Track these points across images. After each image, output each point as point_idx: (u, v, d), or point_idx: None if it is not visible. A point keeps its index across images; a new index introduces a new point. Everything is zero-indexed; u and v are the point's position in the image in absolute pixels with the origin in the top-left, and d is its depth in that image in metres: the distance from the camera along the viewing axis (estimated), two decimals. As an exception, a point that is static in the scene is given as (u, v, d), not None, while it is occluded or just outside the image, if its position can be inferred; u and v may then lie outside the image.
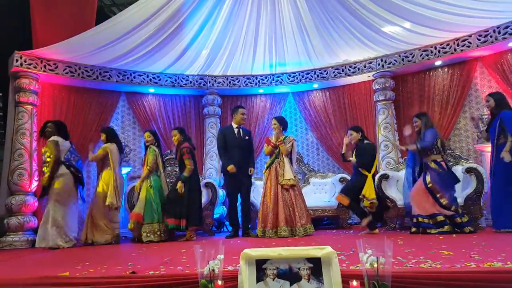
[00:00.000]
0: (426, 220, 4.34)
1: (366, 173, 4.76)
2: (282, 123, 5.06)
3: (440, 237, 3.87)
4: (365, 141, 4.97)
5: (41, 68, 5.61)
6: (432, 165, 4.44)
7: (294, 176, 4.89)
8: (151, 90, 6.73)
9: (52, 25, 5.67)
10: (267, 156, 5.16)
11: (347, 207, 5.09)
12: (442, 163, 4.47)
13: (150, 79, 6.55)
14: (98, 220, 4.84)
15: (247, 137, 5.15)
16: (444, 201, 4.31)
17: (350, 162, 5.19)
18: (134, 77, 6.44)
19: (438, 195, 4.33)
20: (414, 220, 4.44)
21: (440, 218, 4.28)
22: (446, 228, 4.23)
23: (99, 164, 5.16)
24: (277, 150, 4.92)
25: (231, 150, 5.03)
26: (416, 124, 4.65)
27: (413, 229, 4.42)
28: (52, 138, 4.75)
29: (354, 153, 4.95)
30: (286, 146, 4.90)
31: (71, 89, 6.11)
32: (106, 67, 6.20)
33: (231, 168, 4.91)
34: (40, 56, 5.59)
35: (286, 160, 4.88)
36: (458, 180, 4.53)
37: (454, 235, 4.04)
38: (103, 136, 5.18)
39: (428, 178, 4.41)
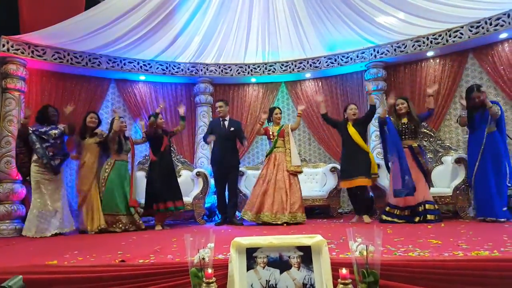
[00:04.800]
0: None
1: (368, 148, 4.95)
2: None
3: (429, 226, 3.92)
4: None
5: (28, 54, 5.47)
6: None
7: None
8: (142, 77, 6.62)
9: (40, 9, 5.52)
10: (265, 146, 5.44)
11: (362, 189, 4.90)
12: None
13: (141, 66, 6.44)
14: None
15: (232, 128, 5.34)
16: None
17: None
18: (124, 64, 6.32)
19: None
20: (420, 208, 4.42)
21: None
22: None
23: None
24: (276, 138, 5.08)
25: (218, 140, 5.28)
26: (404, 106, 4.76)
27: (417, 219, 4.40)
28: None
29: (351, 124, 4.96)
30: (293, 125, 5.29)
31: (60, 76, 5.98)
32: (96, 54, 6.07)
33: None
34: (27, 41, 5.45)
35: (292, 145, 5.06)
36: None
37: (442, 224, 4.10)
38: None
39: (422, 160, 4.64)
